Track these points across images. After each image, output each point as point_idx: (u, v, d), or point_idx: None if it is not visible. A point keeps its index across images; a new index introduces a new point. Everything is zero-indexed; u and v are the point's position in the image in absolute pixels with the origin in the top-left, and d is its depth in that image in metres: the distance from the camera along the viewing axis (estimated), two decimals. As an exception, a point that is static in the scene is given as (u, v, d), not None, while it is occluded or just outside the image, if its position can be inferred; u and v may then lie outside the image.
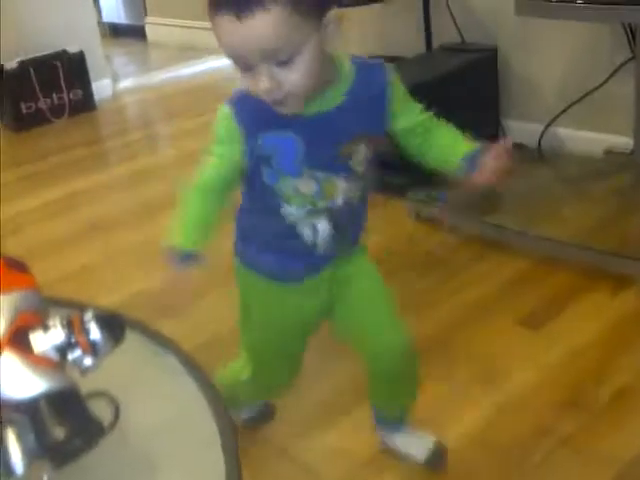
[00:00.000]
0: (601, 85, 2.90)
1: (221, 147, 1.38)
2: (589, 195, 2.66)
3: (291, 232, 1.44)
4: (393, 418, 1.78)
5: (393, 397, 1.73)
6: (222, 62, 5.32)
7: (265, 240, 1.49)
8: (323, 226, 1.44)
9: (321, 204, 1.41)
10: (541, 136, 3.09)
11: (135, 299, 2.47)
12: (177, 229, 1.41)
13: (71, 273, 2.73)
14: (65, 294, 1.33)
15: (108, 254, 2.89)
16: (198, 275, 2.66)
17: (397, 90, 1.41)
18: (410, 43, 3.32)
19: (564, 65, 3.06)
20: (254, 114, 1.33)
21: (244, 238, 1.52)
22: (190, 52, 5.34)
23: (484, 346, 2.13)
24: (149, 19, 6.09)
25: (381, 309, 1.58)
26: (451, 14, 3.22)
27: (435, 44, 3.28)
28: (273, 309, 1.57)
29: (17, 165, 3.88)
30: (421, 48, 3.29)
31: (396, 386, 1.69)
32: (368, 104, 1.38)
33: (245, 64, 1.22)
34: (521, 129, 3.15)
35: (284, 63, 1.21)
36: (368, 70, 1.39)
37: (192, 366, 1.14)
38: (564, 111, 3.02)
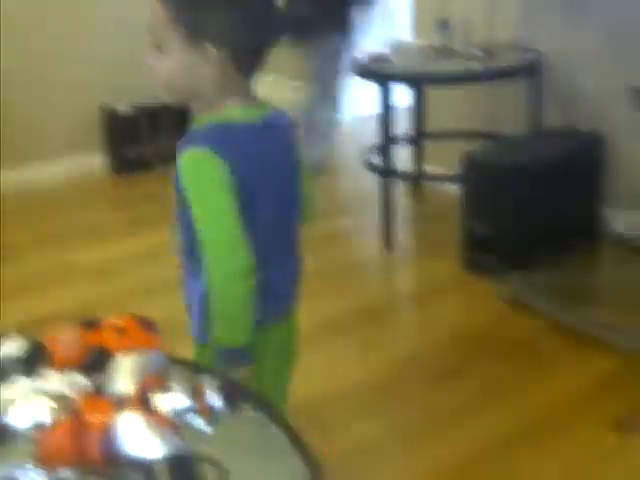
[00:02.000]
0: None
1: None
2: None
3: None
4: None
5: None
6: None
7: None
8: None
9: None
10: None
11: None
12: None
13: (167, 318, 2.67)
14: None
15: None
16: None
17: (182, 177, 1.33)
18: (515, 123, 3.28)
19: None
20: None
21: None
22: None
23: (572, 447, 2.05)
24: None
25: None
26: (559, 96, 3.19)
27: (542, 125, 3.23)
28: None
29: (122, 207, 3.99)
30: (526, 129, 3.24)
31: None
32: None
33: None
34: (624, 219, 3.06)
35: (158, 48, 1.33)
36: (194, 136, 1.35)
37: (298, 442, 1.09)
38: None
